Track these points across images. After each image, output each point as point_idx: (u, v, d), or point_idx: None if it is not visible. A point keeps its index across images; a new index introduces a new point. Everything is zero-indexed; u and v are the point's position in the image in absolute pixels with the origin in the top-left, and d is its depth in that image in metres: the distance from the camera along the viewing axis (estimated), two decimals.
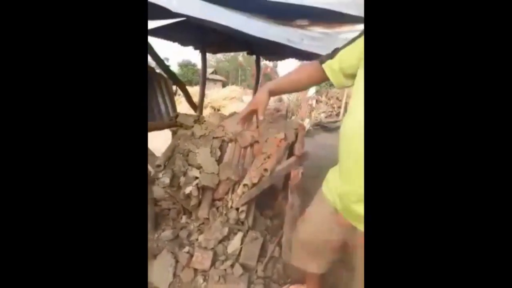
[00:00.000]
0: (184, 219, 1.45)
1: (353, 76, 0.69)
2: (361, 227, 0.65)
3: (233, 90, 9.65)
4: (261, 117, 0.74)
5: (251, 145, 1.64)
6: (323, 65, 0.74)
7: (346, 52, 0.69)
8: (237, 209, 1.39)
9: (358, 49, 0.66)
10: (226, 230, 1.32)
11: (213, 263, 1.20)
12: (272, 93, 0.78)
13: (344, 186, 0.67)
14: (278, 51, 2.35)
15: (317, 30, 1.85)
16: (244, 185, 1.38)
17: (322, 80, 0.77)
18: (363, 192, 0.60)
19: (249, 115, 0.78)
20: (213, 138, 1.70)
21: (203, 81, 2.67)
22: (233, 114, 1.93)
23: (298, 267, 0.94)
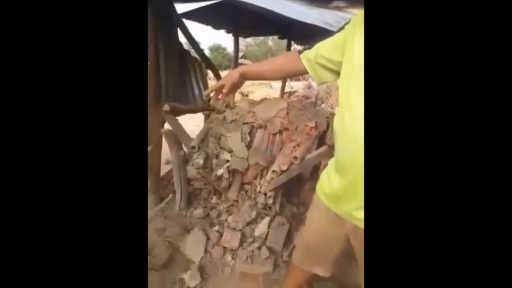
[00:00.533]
0: (214, 199, 1.52)
1: (332, 71, 0.68)
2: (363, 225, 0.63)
3: None
4: (225, 90, 0.76)
5: (280, 132, 1.64)
6: (301, 55, 0.73)
7: (323, 44, 0.69)
8: (265, 194, 1.42)
9: (335, 43, 0.65)
10: (254, 213, 1.36)
11: (241, 244, 1.26)
12: (244, 75, 0.78)
13: (342, 190, 0.65)
14: (310, 35, 2.25)
15: (355, 12, 1.73)
16: (273, 171, 1.40)
17: (300, 71, 0.75)
18: (361, 197, 0.58)
19: (218, 89, 0.78)
20: (244, 123, 1.73)
21: (235, 66, 2.67)
22: (263, 100, 1.93)
23: (303, 268, 0.90)
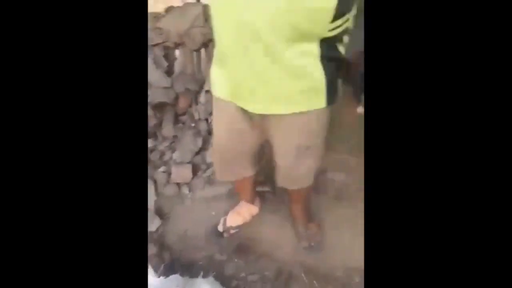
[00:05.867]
0: (150, 142, 1.34)
1: None
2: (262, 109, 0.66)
3: None
4: None
5: (205, 44, 1.40)
6: None
7: None
8: (206, 119, 1.31)
9: None
10: (200, 141, 1.27)
11: (195, 174, 1.21)
12: None
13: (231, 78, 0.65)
14: None
15: None
16: (207, 91, 1.25)
17: None
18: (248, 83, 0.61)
19: None
20: (152, 46, 1.40)
21: None
22: (170, 10, 1.53)
23: (228, 180, 0.97)
